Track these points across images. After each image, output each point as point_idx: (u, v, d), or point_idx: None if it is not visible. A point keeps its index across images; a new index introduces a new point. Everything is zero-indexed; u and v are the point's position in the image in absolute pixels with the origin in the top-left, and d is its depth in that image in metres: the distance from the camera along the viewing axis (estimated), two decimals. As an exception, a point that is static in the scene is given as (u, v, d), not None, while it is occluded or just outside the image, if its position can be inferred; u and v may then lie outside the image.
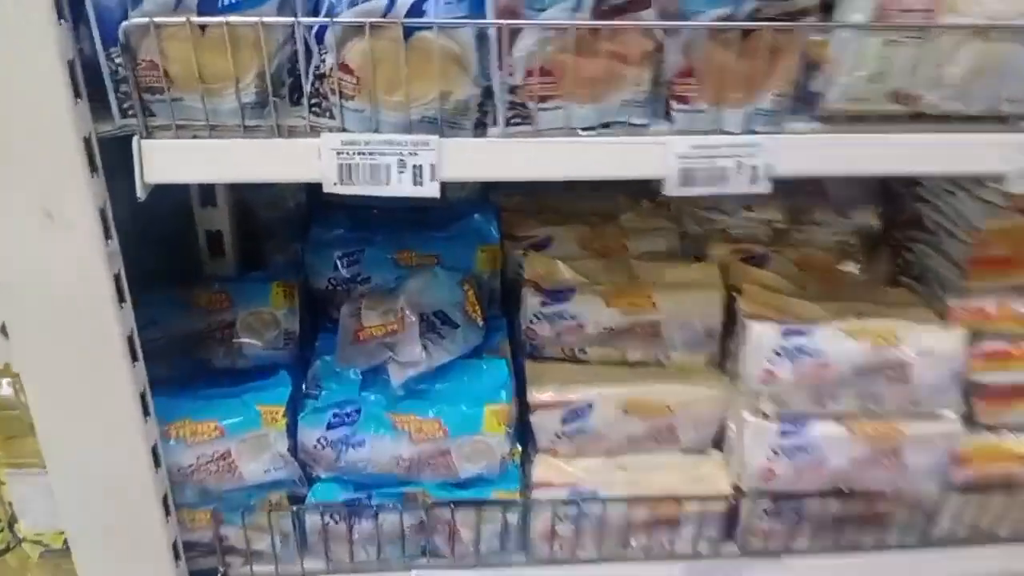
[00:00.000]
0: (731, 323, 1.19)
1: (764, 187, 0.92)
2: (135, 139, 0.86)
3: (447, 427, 1.10)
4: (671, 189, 0.91)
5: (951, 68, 0.88)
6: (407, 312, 1.12)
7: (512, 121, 0.89)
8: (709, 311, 1.18)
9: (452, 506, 1.14)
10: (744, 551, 1.23)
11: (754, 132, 0.91)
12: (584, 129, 0.90)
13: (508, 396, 1.12)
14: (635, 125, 0.90)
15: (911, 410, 1.14)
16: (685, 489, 1.18)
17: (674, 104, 0.90)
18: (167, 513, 1.09)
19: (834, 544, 1.24)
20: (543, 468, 1.20)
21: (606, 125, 0.90)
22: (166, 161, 0.88)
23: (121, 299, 0.94)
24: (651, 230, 1.31)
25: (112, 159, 0.88)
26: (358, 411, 1.11)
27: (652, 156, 0.90)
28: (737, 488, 1.19)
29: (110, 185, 0.89)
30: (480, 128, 0.90)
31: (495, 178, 0.91)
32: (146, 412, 1.01)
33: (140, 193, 0.88)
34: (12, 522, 1.18)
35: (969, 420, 1.17)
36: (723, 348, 1.22)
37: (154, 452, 1.04)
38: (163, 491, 1.08)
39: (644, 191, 1.38)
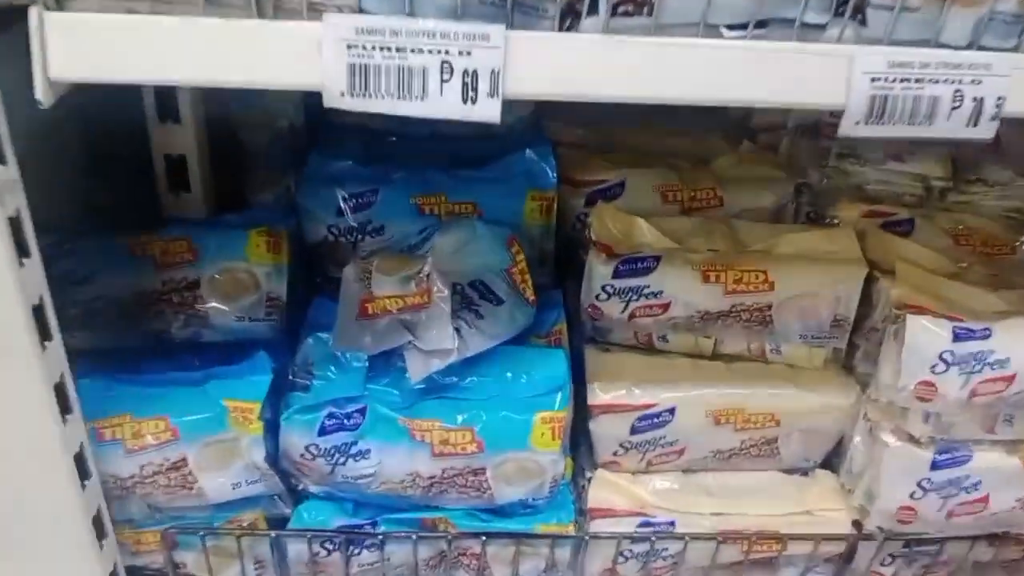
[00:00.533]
0: (864, 310, 0.89)
1: (987, 131, 0.62)
2: (33, 11, 0.55)
3: (482, 439, 0.81)
4: (851, 126, 0.60)
5: None
6: (435, 281, 0.81)
7: (620, 9, 0.57)
8: (845, 293, 0.87)
9: (483, 539, 0.86)
10: (856, 600, 0.96)
11: (983, 48, 0.60)
12: (730, 27, 0.58)
13: (565, 400, 0.83)
14: (808, 25, 0.59)
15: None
16: (791, 524, 0.89)
17: (873, -1, 0.59)
18: (100, 536, 0.81)
19: (971, 595, 0.96)
20: (603, 489, 0.91)
21: (762, 24, 0.59)
22: (84, 47, 0.57)
23: (22, 252, 0.64)
24: (755, 180, 1.00)
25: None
26: (362, 412, 0.82)
27: (830, 74, 0.59)
28: (859, 526, 0.90)
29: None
30: (571, 18, 0.58)
31: (589, 97, 0.59)
32: (65, 408, 0.72)
33: (43, 95, 0.57)
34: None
35: None
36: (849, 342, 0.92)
37: (79, 461, 0.75)
38: (94, 509, 0.79)
39: (742, 128, 1.06)
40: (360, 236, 0.92)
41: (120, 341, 0.87)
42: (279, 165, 0.99)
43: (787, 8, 0.58)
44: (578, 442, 0.95)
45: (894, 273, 0.86)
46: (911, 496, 0.85)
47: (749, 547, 0.88)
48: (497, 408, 0.82)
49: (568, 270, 0.98)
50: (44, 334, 0.67)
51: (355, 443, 0.82)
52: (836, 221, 0.96)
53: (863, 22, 0.59)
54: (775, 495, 0.93)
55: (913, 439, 0.84)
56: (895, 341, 0.82)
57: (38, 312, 0.66)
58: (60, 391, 0.71)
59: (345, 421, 0.82)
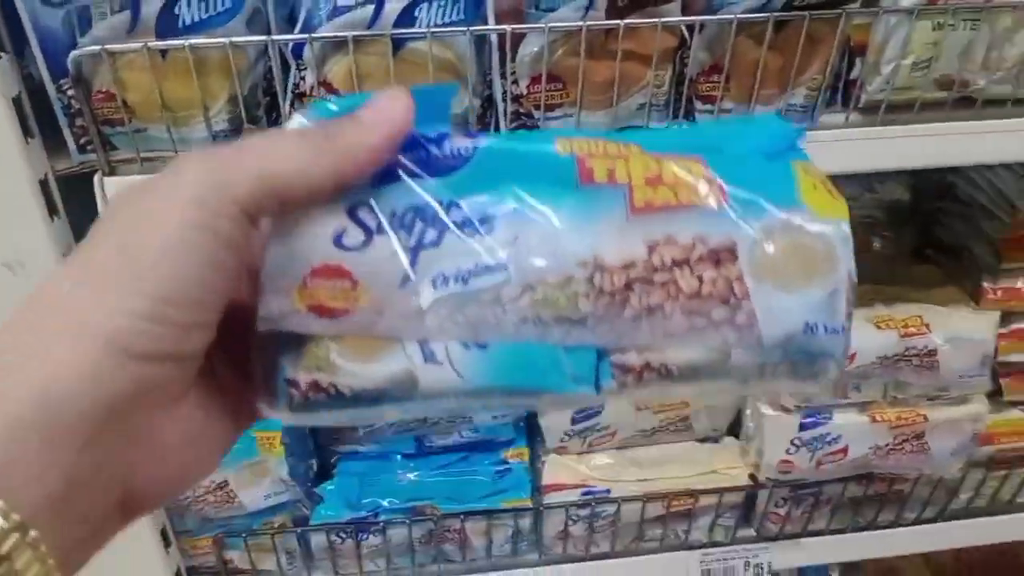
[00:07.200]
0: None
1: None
2: (96, 177, 0.78)
3: (721, 180, 0.36)
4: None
5: (1009, 50, 0.81)
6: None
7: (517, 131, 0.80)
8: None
9: (462, 517, 1.10)
10: (760, 536, 1.21)
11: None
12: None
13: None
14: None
15: (937, 395, 1.09)
16: (701, 482, 1.14)
17: (698, 104, 0.82)
18: (167, 544, 1.04)
19: (852, 523, 1.21)
20: (554, 469, 1.15)
21: (620, 131, 0.82)
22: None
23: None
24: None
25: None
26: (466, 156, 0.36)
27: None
28: (754, 478, 1.15)
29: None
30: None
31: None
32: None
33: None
34: None
35: (994, 398, 1.12)
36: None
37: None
38: (161, 523, 1.02)
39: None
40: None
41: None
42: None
43: (637, 119, 0.82)
44: (533, 435, 1.19)
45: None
46: (787, 453, 1.09)
47: (669, 503, 1.13)
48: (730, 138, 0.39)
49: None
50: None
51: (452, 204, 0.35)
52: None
53: (694, 122, 0.82)
54: (689, 460, 1.17)
55: (785, 408, 1.08)
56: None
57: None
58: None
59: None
